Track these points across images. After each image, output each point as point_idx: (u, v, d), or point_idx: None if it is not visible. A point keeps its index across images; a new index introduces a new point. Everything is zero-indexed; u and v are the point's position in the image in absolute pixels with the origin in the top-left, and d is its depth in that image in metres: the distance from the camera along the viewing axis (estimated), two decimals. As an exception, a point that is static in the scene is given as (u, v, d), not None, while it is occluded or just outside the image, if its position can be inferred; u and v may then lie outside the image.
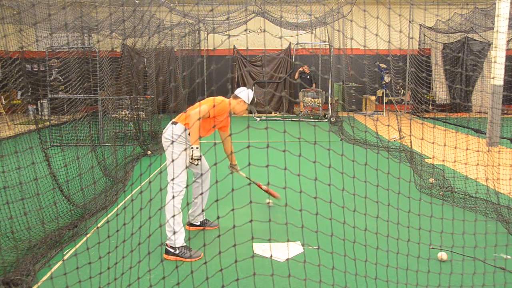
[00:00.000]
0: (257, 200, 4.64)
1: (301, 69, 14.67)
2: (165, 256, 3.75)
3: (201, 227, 4.44)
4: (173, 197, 3.63)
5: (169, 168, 3.68)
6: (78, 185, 4.65)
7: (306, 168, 2.73)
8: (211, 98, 3.99)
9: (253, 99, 4.21)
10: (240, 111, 4.15)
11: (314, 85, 14.53)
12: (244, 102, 4.10)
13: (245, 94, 4.13)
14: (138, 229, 2.89)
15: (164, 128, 4.05)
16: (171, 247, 3.74)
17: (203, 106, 3.83)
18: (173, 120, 4.01)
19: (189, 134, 3.81)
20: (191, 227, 4.45)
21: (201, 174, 4.16)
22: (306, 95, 13.93)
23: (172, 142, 3.86)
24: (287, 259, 3.74)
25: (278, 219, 4.30)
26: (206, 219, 4.50)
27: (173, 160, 3.75)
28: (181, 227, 3.75)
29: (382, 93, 14.81)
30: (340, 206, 3.10)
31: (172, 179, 3.63)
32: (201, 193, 4.18)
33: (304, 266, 3.24)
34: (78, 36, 9.63)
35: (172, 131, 3.89)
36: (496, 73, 8.41)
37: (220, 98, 4.03)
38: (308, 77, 14.60)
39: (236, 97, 4.13)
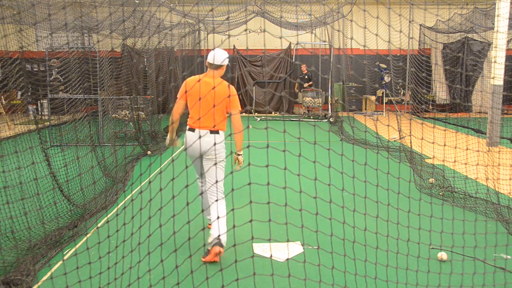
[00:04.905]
0: (257, 200, 4.65)
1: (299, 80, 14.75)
2: (221, 250, 3.68)
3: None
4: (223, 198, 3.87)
5: (220, 175, 3.82)
6: (78, 185, 4.65)
7: (306, 168, 2.73)
8: (231, 91, 3.84)
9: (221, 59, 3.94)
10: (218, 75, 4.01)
11: (311, 82, 14.55)
12: (211, 64, 3.88)
13: (218, 57, 3.90)
14: (138, 229, 2.89)
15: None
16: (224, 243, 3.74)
17: (237, 103, 3.90)
18: (206, 127, 3.89)
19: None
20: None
21: (201, 174, 4.15)
22: (306, 95, 13.93)
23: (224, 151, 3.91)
24: (287, 259, 3.74)
25: (278, 219, 4.30)
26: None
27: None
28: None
29: (382, 93, 14.82)
30: (340, 206, 3.10)
31: (216, 181, 3.80)
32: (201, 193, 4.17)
33: (304, 266, 3.24)
34: (78, 36, 9.64)
35: (218, 141, 3.83)
36: (496, 73, 8.40)
37: (232, 88, 3.90)
38: (306, 77, 14.61)
39: (219, 67, 3.92)
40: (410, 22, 10.75)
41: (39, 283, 3.35)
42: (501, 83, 8.46)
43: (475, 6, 12.56)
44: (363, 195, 3.15)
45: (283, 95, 15.52)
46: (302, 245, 4.01)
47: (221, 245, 3.71)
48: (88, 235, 4.19)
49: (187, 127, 3.96)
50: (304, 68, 14.62)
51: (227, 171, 2.68)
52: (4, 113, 11.43)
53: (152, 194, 2.97)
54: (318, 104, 13.82)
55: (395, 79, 13.89)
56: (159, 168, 6.66)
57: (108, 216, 4.75)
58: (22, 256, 3.55)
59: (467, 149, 4.62)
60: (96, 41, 10.87)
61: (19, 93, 12.09)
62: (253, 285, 3.15)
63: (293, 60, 15.15)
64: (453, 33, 14.20)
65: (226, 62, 3.95)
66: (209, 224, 4.47)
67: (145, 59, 10.20)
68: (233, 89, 3.90)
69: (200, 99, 3.89)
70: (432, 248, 3.76)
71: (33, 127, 6.43)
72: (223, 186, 3.97)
